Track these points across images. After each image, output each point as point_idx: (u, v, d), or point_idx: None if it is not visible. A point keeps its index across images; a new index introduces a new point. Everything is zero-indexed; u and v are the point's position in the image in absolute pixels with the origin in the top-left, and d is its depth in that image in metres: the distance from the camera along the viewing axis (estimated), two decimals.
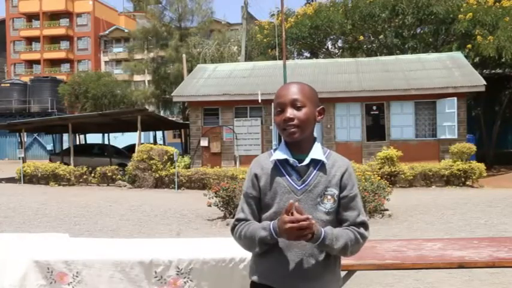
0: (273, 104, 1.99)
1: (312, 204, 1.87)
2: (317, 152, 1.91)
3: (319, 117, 1.95)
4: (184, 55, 26.10)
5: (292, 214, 1.74)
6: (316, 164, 1.90)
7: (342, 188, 1.90)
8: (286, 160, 1.91)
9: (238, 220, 1.95)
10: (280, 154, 1.92)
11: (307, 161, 1.89)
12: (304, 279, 1.85)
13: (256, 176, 1.94)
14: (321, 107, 1.97)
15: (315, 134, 2.01)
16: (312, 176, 1.89)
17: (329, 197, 1.88)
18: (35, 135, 35.06)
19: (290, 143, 1.94)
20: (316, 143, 1.94)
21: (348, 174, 1.92)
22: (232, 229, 1.96)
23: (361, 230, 1.90)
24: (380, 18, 22.45)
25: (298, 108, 1.89)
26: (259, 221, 1.93)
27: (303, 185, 1.88)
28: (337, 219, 1.92)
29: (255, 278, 1.93)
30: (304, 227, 1.73)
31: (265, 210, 1.93)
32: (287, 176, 1.90)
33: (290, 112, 1.88)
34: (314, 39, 24.94)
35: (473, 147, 15.33)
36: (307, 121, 1.90)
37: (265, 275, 1.89)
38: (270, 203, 1.91)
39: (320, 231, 1.78)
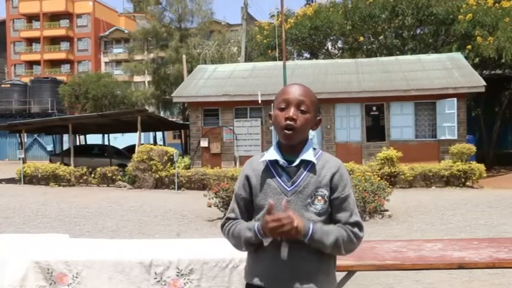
0: (275, 98, 1.97)
1: (302, 205, 1.87)
2: (307, 153, 1.91)
3: (315, 127, 1.96)
4: (184, 56, 26.11)
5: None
6: (307, 165, 1.90)
7: (332, 189, 1.89)
8: (277, 161, 1.92)
9: (228, 219, 1.99)
10: (271, 155, 1.93)
11: (297, 162, 1.89)
12: (297, 280, 1.85)
13: (247, 177, 1.97)
14: (319, 118, 1.99)
15: (314, 135, 2.02)
16: (301, 177, 1.89)
17: (319, 197, 1.87)
18: (35, 135, 35.05)
19: (282, 144, 1.94)
20: (308, 144, 1.94)
21: (339, 175, 1.90)
22: (222, 227, 2.01)
23: (355, 229, 1.88)
24: (380, 19, 22.44)
25: (302, 112, 1.88)
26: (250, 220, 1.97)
27: (293, 186, 1.88)
28: (331, 221, 1.91)
29: (249, 279, 1.95)
30: (286, 222, 1.73)
31: (257, 211, 1.94)
32: (277, 177, 1.90)
33: (294, 112, 1.87)
34: (314, 40, 24.94)
35: (473, 148, 15.33)
36: (306, 127, 1.91)
37: (259, 277, 1.90)
38: (261, 204, 1.92)
39: (308, 226, 1.78)
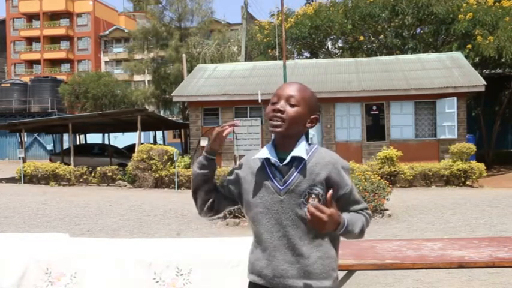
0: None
1: (296, 204, 1.85)
2: (299, 149, 1.89)
3: (309, 125, 1.92)
4: (184, 55, 26.09)
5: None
6: (299, 162, 1.88)
7: (334, 188, 1.85)
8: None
9: None
10: (264, 152, 1.92)
11: (287, 159, 1.88)
12: (299, 278, 1.85)
13: (237, 174, 2.03)
14: (315, 116, 1.95)
15: (314, 135, 2.01)
16: (293, 175, 1.87)
17: (313, 196, 1.85)
18: (35, 135, 35.05)
19: (277, 141, 1.94)
20: (301, 140, 1.92)
21: (337, 171, 1.88)
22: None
23: (368, 211, 1.99)
24: (380, 18, 22.43)
25: (291, 105, 1.89)
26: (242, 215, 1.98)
27: (285, 185, 1.87)
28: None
29: (250, 278, 1.96)
30: (327, 220, 1.74)
31: (249, 208, 1.94)
32: (271, 176, 1.90)
33: (281, 104, 1.89)
34: (314, 39, 24.93)
35: (473, 147, 15.32)
36: (295, 120, 1.88)
37: (259, 276, 1.91)
38: (254, 201, 1.92)
39: (344, 220, 1.81)
